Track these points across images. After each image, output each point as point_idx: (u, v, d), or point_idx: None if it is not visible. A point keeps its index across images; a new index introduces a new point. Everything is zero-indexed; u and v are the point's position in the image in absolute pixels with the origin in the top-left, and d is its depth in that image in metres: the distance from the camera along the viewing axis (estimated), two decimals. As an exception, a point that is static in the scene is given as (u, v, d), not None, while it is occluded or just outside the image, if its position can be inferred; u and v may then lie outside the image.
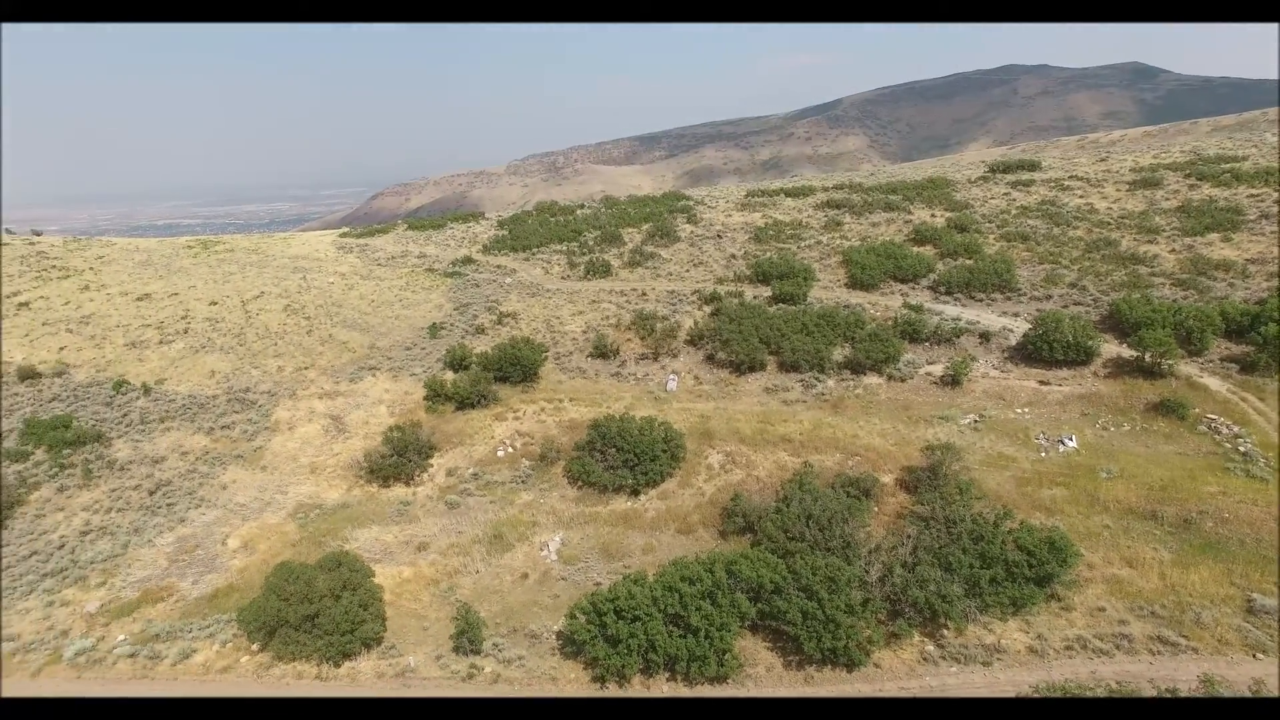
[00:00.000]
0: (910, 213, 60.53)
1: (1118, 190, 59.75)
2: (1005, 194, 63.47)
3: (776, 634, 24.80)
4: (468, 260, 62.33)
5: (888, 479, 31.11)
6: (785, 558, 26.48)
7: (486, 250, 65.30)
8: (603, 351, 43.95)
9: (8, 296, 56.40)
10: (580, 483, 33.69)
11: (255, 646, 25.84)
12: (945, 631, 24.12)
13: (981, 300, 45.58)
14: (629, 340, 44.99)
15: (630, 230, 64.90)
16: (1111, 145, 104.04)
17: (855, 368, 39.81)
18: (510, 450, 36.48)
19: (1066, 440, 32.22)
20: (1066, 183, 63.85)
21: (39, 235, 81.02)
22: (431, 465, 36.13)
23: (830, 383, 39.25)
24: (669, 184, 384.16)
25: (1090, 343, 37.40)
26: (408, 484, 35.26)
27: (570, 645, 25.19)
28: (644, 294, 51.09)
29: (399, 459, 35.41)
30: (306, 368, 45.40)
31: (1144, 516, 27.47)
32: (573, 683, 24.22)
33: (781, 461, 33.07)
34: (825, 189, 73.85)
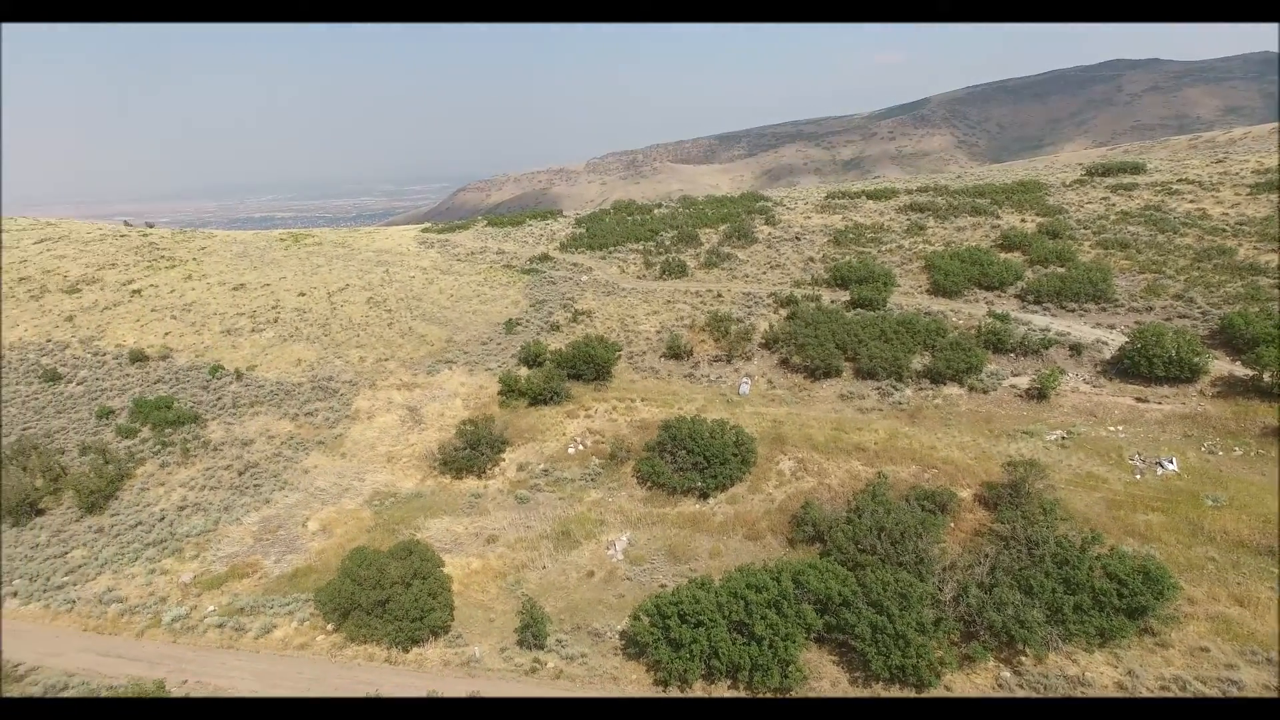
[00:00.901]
0: (998, 217, 58.09)
1: (1236, 194, 55.69)
2: (1104, 198, 60.15)
3: (843, 648, 24.22)
4: (545, 257, 63.16)
5: (966, 494, 29.91)
6: (855, 570, 25.85)
7: (564, 248, 66.05)
8: (676, 352, 43.80)
9: (123, 284, 60.30)
10: (649, 483, 33.64)
11: (330, 627, 26.80)
12: (1023, 658, 22.99)
13: (1073, 310, 43.30)
14: (703, 342, 44.69)
15: (707, 231, 64.52)
16: (1231, 144, 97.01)
17: (935, 377, 38.42)
18: (581, 448, 36.74)
19: (1165, 463, 30.21)
20: (1175, 186, 60.01)
21: (151, 227, 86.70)
22: (503, 459, 36.72)
23: (908, 392, 38.03)
24: (747, 183, 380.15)
25: (1197, 359, 34.93)
26: (479, 477, 35.92)
27: (633, 646, 25.19)
28: (719, 295, 50.68)
29: (472, 452, 36.12)
30: (386, 359, 46.86)
31: (1258, 551, 25.34)
32: (634, 683, 24.23)
33: (854, 471, 32.23)
34: (908, 191, 71.68)
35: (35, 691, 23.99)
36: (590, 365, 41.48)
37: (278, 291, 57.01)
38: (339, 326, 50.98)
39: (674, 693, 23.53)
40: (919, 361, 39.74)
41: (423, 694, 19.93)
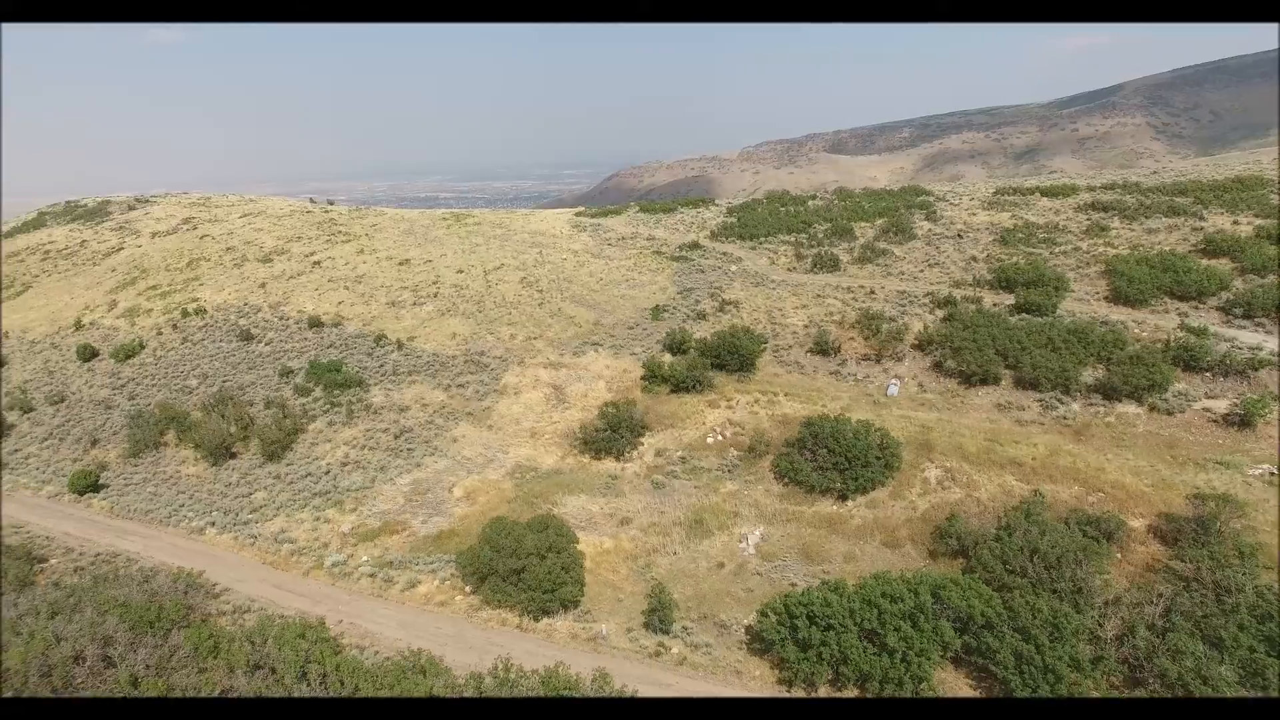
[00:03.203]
0: (1202, 218, 51.79)
1: None
2: (1348, 198, 51.93)
3: (982, 674, 22.79)
4: (695, 245, 63.12)
5: (1137, 524, 27.15)
6: (1001, 591, 24.24)
7: (714, 236, 65.71)
8: (823, 348, 42.57)
9: (306, 255, 66.20)
10: (786, 480, 33.02)
11: (468, 589, 28.29)
12: (1201, 716, 20.56)
13: (1294, 329, 37.91)
14: (851, 339, 43.16)
15: (862, 225, 62.07)
16: None
17: (1108, 393, 34.97)
18: (720, 438, 36.58)
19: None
20: None
21: (332, 204, 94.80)
22: (642, 444, 37.19)
23: (1075, 406, 34.91)
24: (908, 176, 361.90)
25: None
26: (618, 459, 36.60)
27: (758, 642, 24.89)
28: (872, 292, 48.72)
29: (612, 434, 36.84)
30: (535, 338, 48.63)
31: None
32: (757, 679, 23.98)
33: (1007, 486, 30.10)
34: (1091, 189, 65.49)
35: (227, 608, 27.06)
36: (734, 356, 41.13)
37: (438, 268, 60.55)
38: (493, 304, 53.45)
39: (798, 693, 23.06)
40: (1090, 374, 36.38)
41: (550, 663, 20.57)
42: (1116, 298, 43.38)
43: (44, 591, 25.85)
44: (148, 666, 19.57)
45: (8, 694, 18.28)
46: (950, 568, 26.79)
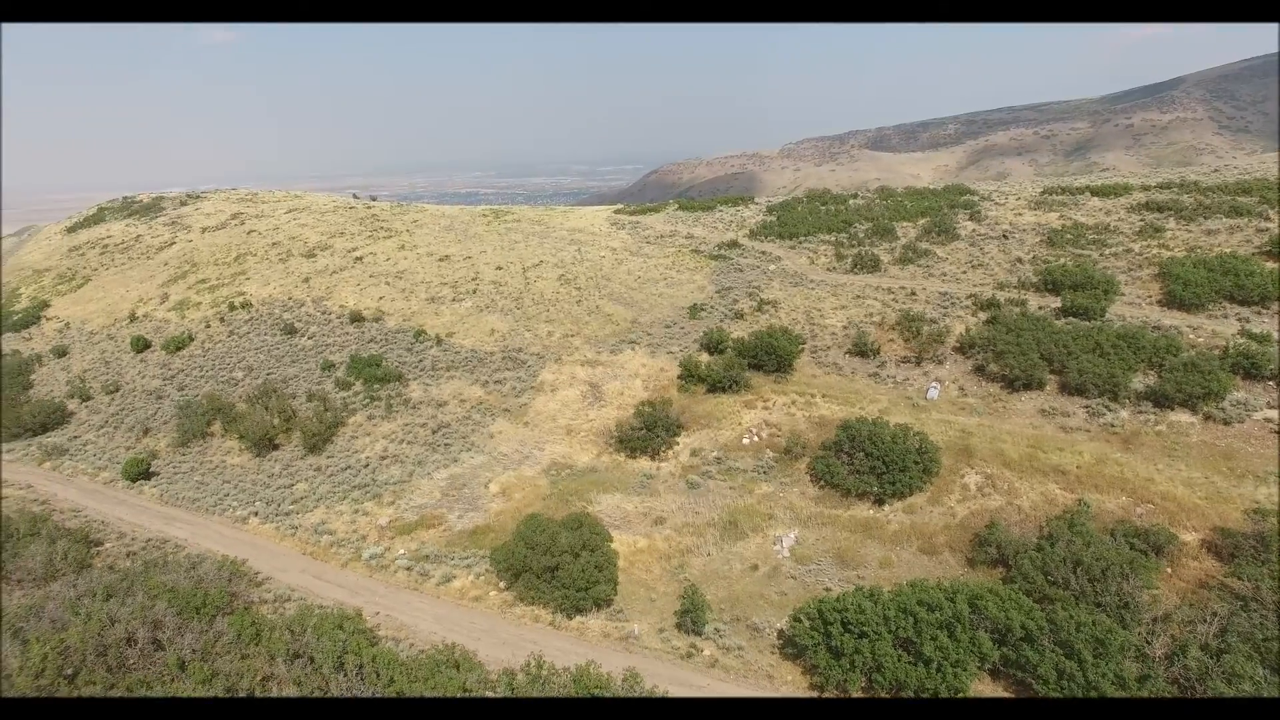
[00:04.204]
0: (1267, 219, 49.76)
1: None
2: None
3: (1020, 686, 22.29)
4: (733, 244, 62.77)
5: (1190, 538, 26.24)
6: (1042, 603, 23.66)
7: (753, 235, 65.28)
8: (862, 350, 42.01)
9: (349, 251, 67.43)
10: (822, 483, 32.69)
11: (502, 585, 28.56)
12: (1254, 740, 19.84)
13: (1359, 336, 36.30)
14: (891, 341, 42.52)
15: (904, 224, 61.09)
16: None
17: (1160, 400, 33.84)
18: (756, 439, 36.36)
19: None
20: None
21: (375, 200, 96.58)
22: (677, 443, 37.14)
23: (1123, 414, 33.87)
24: (952, 174, 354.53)
25: None
26: (653, 458, 36.61)
27: (791, 647, 24.70)
28: (913, 293, 47.90)
29: (648, 433, 36.85)
30: (573, 335, 48.83)
31: None
32: (789, 685, 23.80)
33: (1050, 494, 29.37)
34: (1145, 188, 63.44)
35: (269, 597, 27.75)
36: (771, 356, 40.81)
37: (478, 264, 61.16)
38: (531, 301, 53.82)
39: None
40: (1140, 381, 35.24)
41: (581, 661, 20.67)
42: (1170, 302, 41.97)
43: (100, 574, 26.88)
44: (194, 651, 20.18)
45: (68, 671, 19.01)
46: (989, 577, 26.27)
